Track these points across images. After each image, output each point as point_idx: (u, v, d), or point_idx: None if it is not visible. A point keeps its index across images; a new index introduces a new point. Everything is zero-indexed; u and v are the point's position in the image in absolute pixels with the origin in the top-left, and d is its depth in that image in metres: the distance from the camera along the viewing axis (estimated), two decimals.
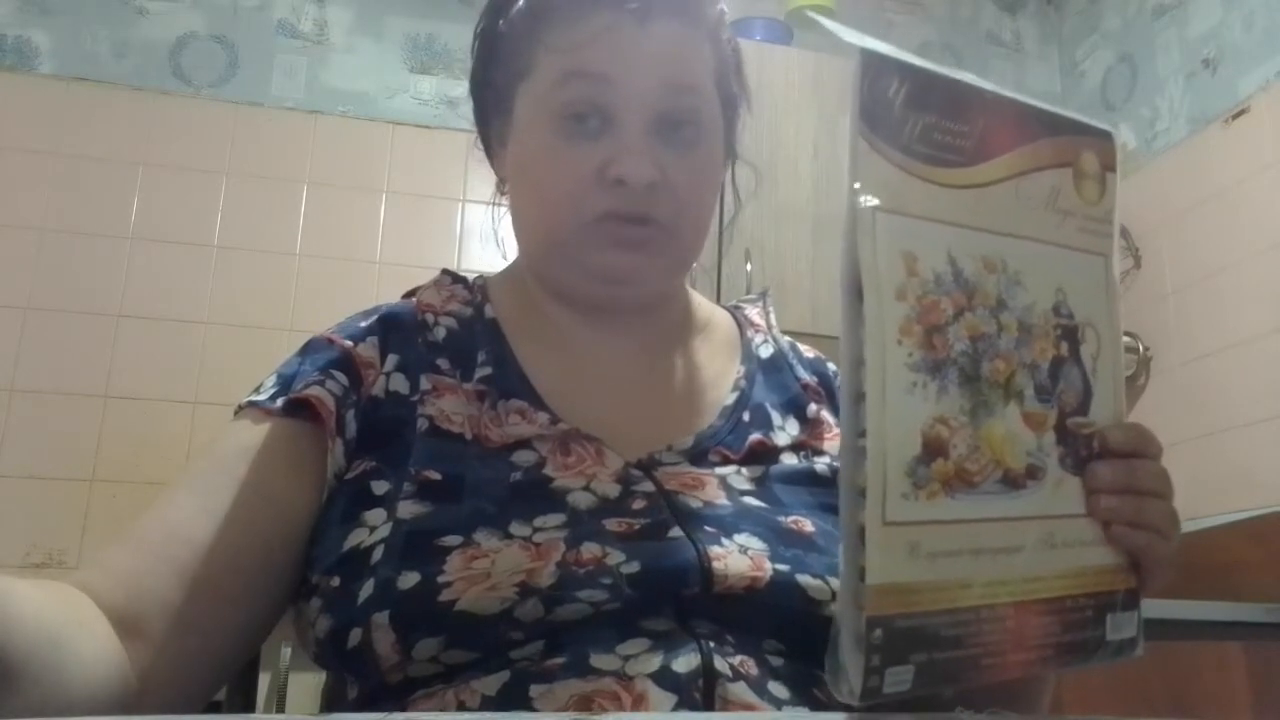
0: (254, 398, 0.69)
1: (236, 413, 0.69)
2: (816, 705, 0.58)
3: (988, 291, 0.46)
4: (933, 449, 0.43)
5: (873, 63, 0.44)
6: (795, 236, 2.33)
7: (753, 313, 0.84)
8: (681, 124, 0.70)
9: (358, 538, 0.62)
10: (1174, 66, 2.51)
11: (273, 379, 0.70)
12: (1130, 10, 2.69)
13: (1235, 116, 2.30)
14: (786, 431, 0.73)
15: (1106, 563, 0.50)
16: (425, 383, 0.68)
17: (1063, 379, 0.49)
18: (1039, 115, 0.50)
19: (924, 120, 0.45)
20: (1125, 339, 2.52)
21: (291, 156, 2.40)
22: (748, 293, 2.22)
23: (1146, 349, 2.46)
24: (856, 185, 0.43)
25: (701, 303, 0.82)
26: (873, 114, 0.44)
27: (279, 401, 0.67)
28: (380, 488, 0.64)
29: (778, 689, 0.58)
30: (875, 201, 0.44)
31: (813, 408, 0.75)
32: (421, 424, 0.66)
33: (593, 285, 0.72)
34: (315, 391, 0.66)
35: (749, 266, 2.25)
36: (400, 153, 2.43)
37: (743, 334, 0.81)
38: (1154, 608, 1.92)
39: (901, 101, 0.45)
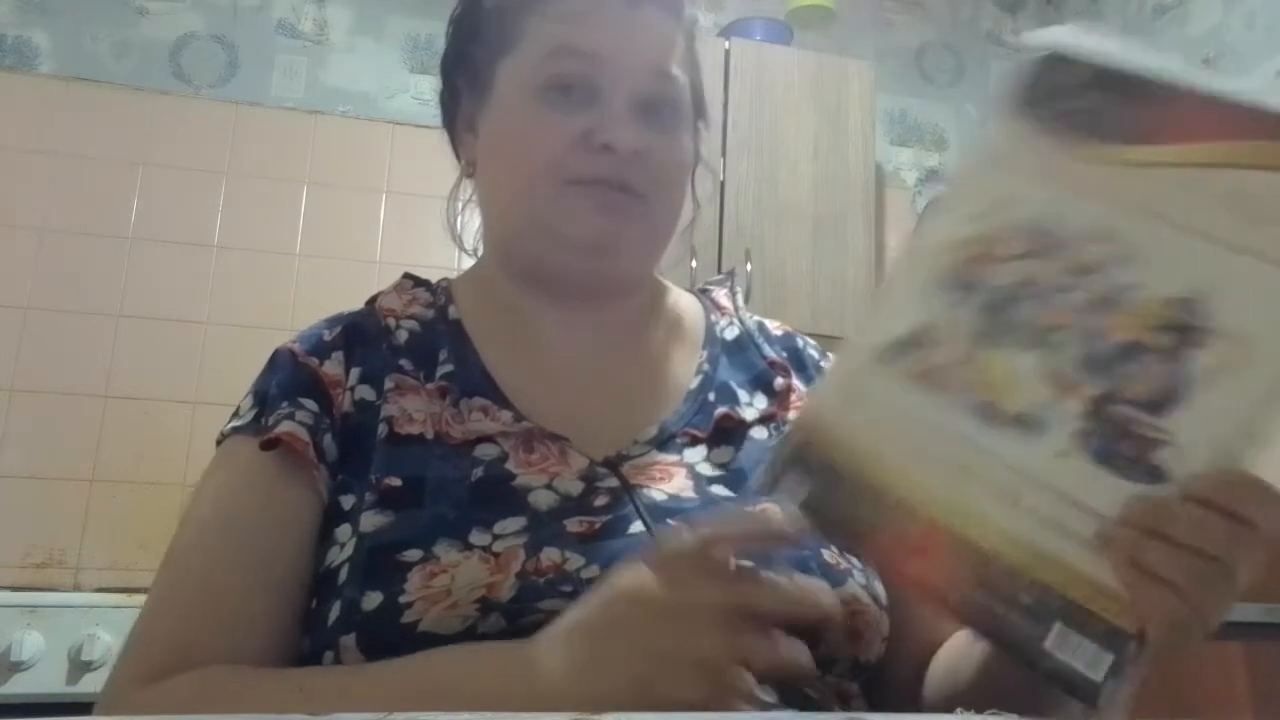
0: (236, 423, 0.68)
1: (220, 440, 0.69)
2: (807, 703, 0.58)
3: (1081, 254, 0.47)
4: (917, 341, 0.49)
5: (1047, 60, 0.51)
6: (795, 236, 2.33)
7: (720, 295, 0.84)
8: (663, 106, 0.71)
9: (330, 556, 0.62)
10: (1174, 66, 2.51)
11: (250, 400, 0.69)
12: (1130, 10, 2.69)
13: None
14: (754, 406, 0.73)
15: (1092, 575, 0.43)
16: (389, 383, 0.68)
17: (1135, 364, 0.45)
18: (1255, 115, 0.47)
19: (1074, 100, 0.50)
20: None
21: (291, 156, 2.40)
22: (748, 293, 2.22)
23: None
24: (981, 148, 0.52)
25: (668, 289, 0.82)
26: (1033, 97, 0.50)
27: (258, 439, 0.66)
28: (347, 502, 0.64)
29: (765, 691, 0.57)
30: (991, 157, 0.51)
31: (780, 381, 0.74)
32: (381, 430, 0.66)
33: (570, 257, 0.71)
34: (286, 428, 0.65)
35: (749, 266, 2.25)
36: (400, 153, 2.43)
37: (707, 318, 0.81)
38: None
39: (1068, 86, 0.50)
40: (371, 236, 2.40)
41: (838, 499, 0.49)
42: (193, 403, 2.21)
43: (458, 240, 0.81)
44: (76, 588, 2.02)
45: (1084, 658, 0.43)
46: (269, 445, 0.65)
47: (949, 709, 0.57)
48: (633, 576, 0.51)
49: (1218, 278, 0.45)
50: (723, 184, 2.28)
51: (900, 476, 0.48)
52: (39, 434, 2.14)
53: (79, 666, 1.57)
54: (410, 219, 2.42)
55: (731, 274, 0.87)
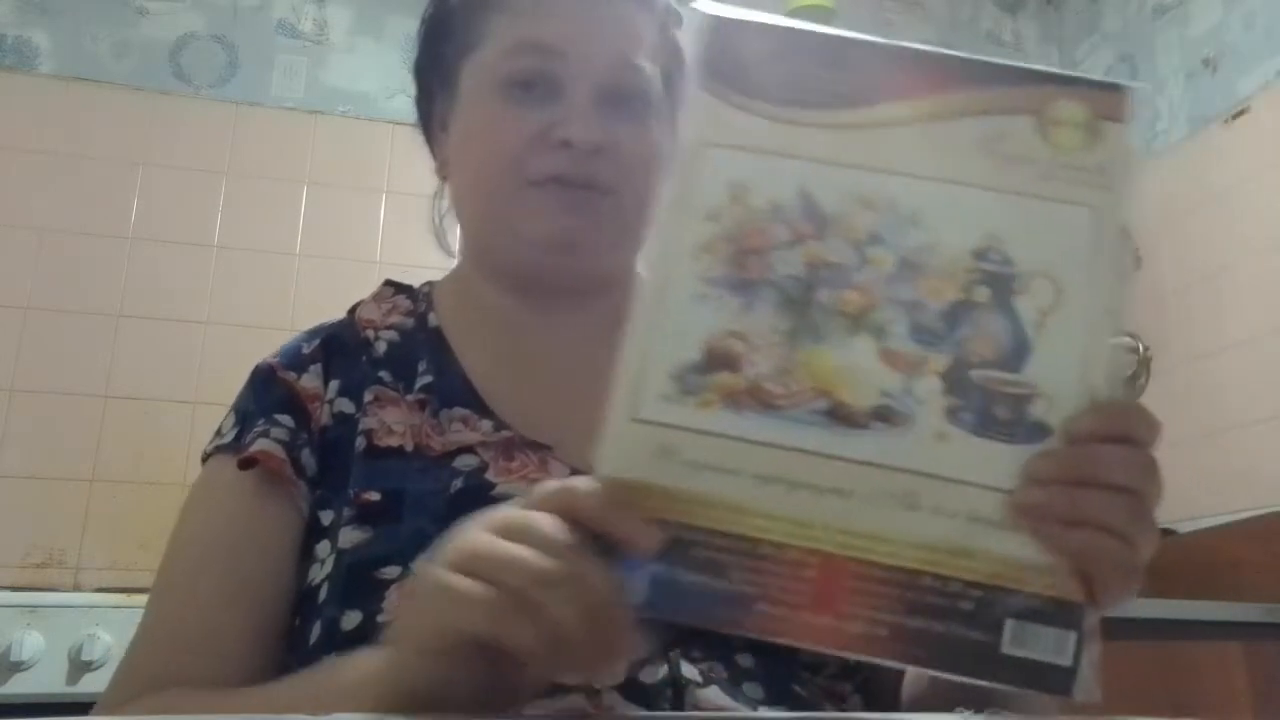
0: (219, 442, 0.68)
1: (205, 459, 0.69)
2: (796, 701, 0.58)
3: (854, 225, 0.44)
4: (718, 360, 0.42)
5: (719, 25, 0.46)
6: None
7: None
8: (630, 97, 0.70)
9: (311, 574, 0.62)
10: (1174, 66, 2.51)
11: (231, 418, 0.69)
12: (1130, 10, 2.69)
13: (1235, 116, 2.30)
14: None
15: (1020, 556, 0.40)
16: (368, 396, 0.67)
17: (967, 325, 0.43)
18: (972, 66, 0.46)
19: (783, 70, 0.46)
20: (1125, 339, 2.54)
21: (291, 156, 2.40)
22: None
23: (1146, 349, 2.46)
24: (690, 128, 0.46)
25: None
26: (719, 69, 0.46)
27: (237, 458, 0.66)
28: (326, 517, 0.64)
29: (752, 689, 0.57)
30: (708, 139, 0.45)
31: None
32: (359, 443, 0.65)
33: (535, 255, 0.70)
34: (261, 446, 0.65)
35: None
36: (400, 153, 2.43)
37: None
38: (1154, 608, 1.93)
39: (754, 55, 0.46)
40: (371, 236, 2.40)
41: (692, 576, 0.40)
42: (193, 403, 2.20)
43: (443, 242, 0.80)
44: (76, 588, 2.02)
45: (1048, 647, 0.40)
46: (246, 464, 0.65)
47: (949, 709, 0.57)
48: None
49: (1000, 222, 0.44)
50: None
51: (766, 521, 0.40)
52: (39, 434, 2.14)
53: (79, 666, 1.57)
54: (410, 219, 2.41)
55: None
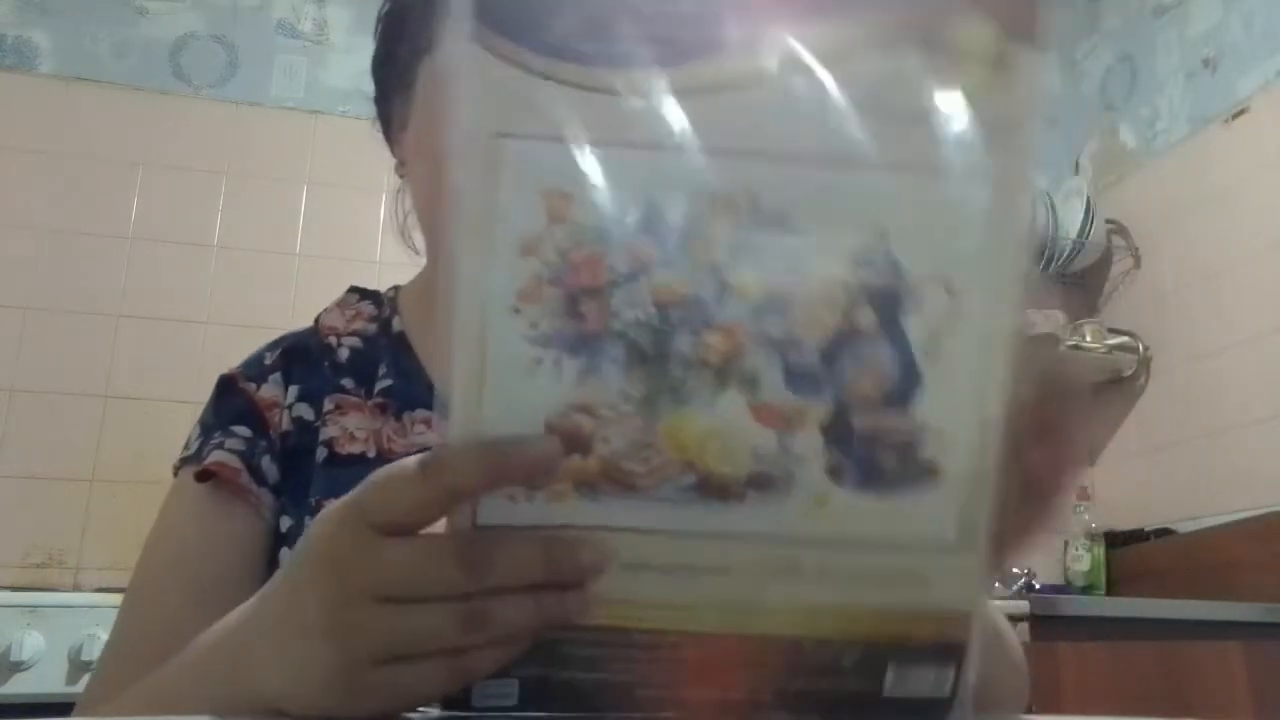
0: (185, 454, 0.68)
1: (176, 470, 0.69)
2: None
3: (709, 238, 0.33)
4: (564, 443, 0.33)
5: None
6: None
7: None
8: None
9: None
10: (1174, 66, 2.51)
11: (197, 431, 0.70)
12: (1130, 10, 2.69)
13: (1235, 116, 2.30)
14: None
15: (904, 606, 0.37)
16: (328, 404, 0.68)
17: (850, 359, 0.35)
18: None
19: (591, 9, 0.32)
20: (1124, 338, 2.54)
21: (291, 156, 2.40)
22: None
23: (1146, 349, 2.46)
24: (468, 108, 0.32)
25: None
26: (495, 10, 0.31)
27: (197, 470, 0.66)
28: (285, 524, 0.64)
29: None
30: (499, 125, 0.31)
31: None
32: (320, 453, 0.65)
33: None
34: (216, 457, 0.65)
35: None
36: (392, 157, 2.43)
37: None
38: (1154, 608, 1.92)
39: None
40: (371, 236, 2.40)
41: (565, 674, 0.37)
42: (193, 403, 2.19)
43: (407, 240, 0.79)
44: (76, 588, 2.02)
45: (925, 684, 0.38)
46: (203, 477, 0.65)
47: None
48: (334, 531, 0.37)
49: (885, 212, 0.34)
50: None
51: (638, 610, 0.36)
52: (39, 434, 2.14)
53: (79, 666, 1.57)
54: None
55: None
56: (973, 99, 0.34)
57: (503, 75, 0.31)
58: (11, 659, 1.54)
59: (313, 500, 0.63)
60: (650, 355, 0.33)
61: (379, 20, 0.76)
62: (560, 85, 0.31)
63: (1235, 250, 2.26)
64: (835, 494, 0.35)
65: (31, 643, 1.55)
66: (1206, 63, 2.40)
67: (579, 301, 0.32)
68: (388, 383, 0.69)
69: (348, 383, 0.69)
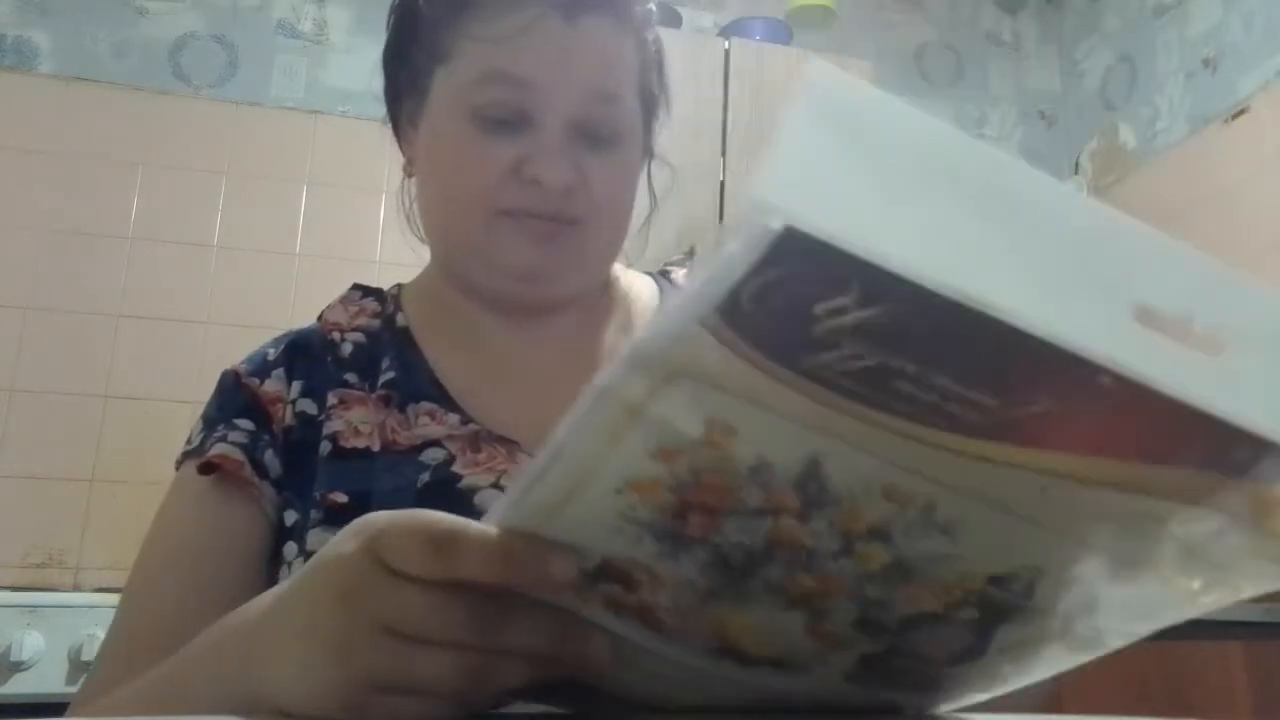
0: (187, 448, 0.68)
1: (178, 465, 0.69)
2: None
3: (858, 515, 0.31)
4: (614, 574, 0.34)
5: (789, 238, 0.22)
6: None
7: (679, 275, 0.82)
8: (601, 130, 0.68)
9: (280, 576, 0.62)
10: (1174, 66, 2.51)
11: (199, 425, 0.70)
12: (1130, 10, 2.69)
13: (1235, 116, 2.30)
14: None
15: None
16: (332, 399, 0.68)
17: (926, 633, 0.35)
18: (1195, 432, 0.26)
19: (894, 361, 0.25)
20: None
21: (291, 156, 2.40)
22: None
23: None
24: (672, 350, 0.26)
25: (624, 277, 0.80)
26: (744, 321, 0.25)
27: (200, 462, 0.66)
28: (290, 518, 0.64)
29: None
30: (692, 369, 0.27)
31: None
32: (324, 447, 0.65)
33: (503, 282, 0.70)
34: (219, 450, 0.65)
35: None
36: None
37: (663, 301, 0.78)
38: None
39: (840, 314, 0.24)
40: (371, 236, 2.40)
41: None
42: (193, 403, 2.19)
43: (414, 227, 0.79)
44: (76, 588, 2.02)
45: None
46: (206, 469, 0.65)
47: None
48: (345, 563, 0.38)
49: (1054, 564, 0.33)
50: (722, 184, 2.28)
51: (639, 685, 0.39)
52: (39, 434, 2.14)
53: (79, 667, 1.57)
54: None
55: (691, 252, 0.86)
56: (1211, 541, 0.31)
57: (723, 357, 0.26)
58: (11, 659, 1.54)
59: (317, 494, 0.63)
60: (734, 569, 0.32)
61: (391, 12, 0.76)
62: (783, 385, 0.26)
63: (1235, 250, 2.26)
64: (848, 686, 0.38)
65: (31, 643, 1.55)
66: (1206, 63, 2.40)
67: (689, 513, 0.31)
68: (391, 375, 0.69)
69: (351, 377, 0.69)
